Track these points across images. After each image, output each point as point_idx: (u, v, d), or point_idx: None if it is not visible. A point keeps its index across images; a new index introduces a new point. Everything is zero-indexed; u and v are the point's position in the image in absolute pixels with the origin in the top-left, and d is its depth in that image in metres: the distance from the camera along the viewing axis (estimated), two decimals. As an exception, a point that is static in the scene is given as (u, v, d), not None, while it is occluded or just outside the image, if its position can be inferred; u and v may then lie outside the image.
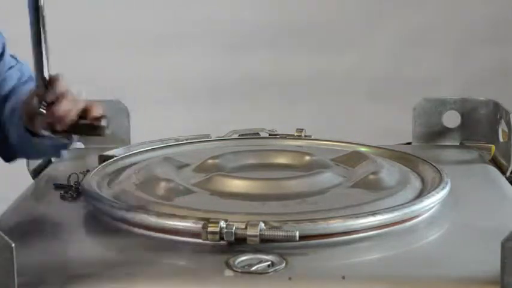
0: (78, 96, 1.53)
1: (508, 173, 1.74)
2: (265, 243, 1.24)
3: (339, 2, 3.58)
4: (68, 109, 1.51)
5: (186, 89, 3.56)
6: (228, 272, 1.19)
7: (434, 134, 1.94)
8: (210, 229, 1.25)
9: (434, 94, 1.98)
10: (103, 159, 1.69)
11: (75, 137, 1.67)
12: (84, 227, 1.42)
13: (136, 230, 1.33)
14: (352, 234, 1.31)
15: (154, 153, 1.75)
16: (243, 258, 1.22)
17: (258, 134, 1.90)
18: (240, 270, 1.19)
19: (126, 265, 1.23)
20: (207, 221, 1.26)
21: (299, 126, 1.88)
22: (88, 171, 1.59)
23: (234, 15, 3.54)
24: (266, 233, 1.24)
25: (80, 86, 1.55)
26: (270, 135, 1.88)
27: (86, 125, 1.53)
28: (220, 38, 3.55)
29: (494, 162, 1.82)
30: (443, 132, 1.94)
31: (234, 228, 1.24)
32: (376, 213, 1.32)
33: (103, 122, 1.53)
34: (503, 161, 1.78)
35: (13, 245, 1.09)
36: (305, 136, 1.86)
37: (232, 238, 1.25)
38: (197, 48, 3.56)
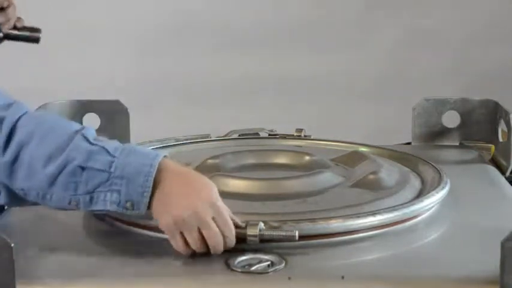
0: None
1: (507, 173, 1.74)
2: (264, 243, 1.24)
3: (339, 2, 3.58)
4: (15, 13, 1.81)
5: (186, 88, 3.56)
6: (228, 272, 1.19)
7: (434, 134, 1.94)
8: (209, 229, 1.25)
9: (434, 94, 1.98)
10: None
11: None
12: (84, 226, 1.42)
13: (136, 230, 1.33)
14: (352, 234, 1.31)
15: (154, 153, 1.74)
16: (243, 258, 1.22)
17: (257, 134, 1.90)
18: (239, 270, 1.19)
19: (126, 265, 1.23)
20: (207, 221, 1.26)
21: (299, 126, 1.88)
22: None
23: (234, 15, 3.54)
24: (266, 233, 1.24)
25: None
26: (269, 135, 1.88)
27: (25, 34, 1.84)
28: (220, 38, 3.55)
29: (494, 162, 1.82)
30: (442, 132, 1.94)
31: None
32: (376, 213, 1.32)
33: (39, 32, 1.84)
34: (503, 161, 1.78)
35: (13, 245, 1.09)
36: (305, 136, 1.86)
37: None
38: (197, 48, 3.56)
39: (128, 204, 1.22)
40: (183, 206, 1.21)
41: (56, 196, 1.23)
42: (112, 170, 1.21)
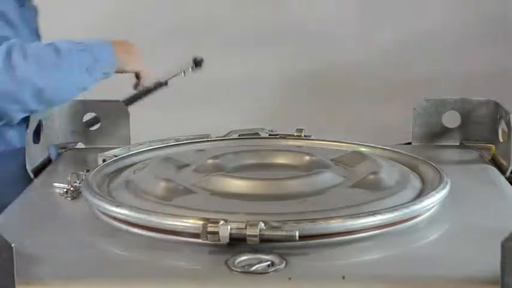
0: None
1: (507, 173, 1.73)
2: (265, 243, 1.24)
3: (339, 2, 3.59)
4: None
5: (186, 89, 3.56)
6: (228, 272, 1.19)
7: (434, 134, 1.94)
8: (209, 229, 1.25)
9: (434, 94, 1.97)
10: (103, 159, 1.69)
11: None
12: (84, 227, 1.42)
13: (136, 230, 1.33)
14: (352, 234, 1.31)
15: (154, 153, 1.74)
16: (243, 258, 1.22)
17: (257, 134, 1.90)
18: (239, 270, 1.19)
19: (126, 265, 1.23)
20: (207, 221, 1.26)
21: (299, 126, 1.88)
22: (88, 171, 1.60)
23: (234, 14, 3.54)
24: (266, 233, 1.24)
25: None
26: (269, 135, 1.88)
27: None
28: (219, 37, 3.55)
29: (494, 162, 1.82)
30: (443, 132, 1.94)
31: (233, 228, 1.24)
32: (376, 213, 1.32)
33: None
34: (503, 161, 1.78)
35: (13, 245, 1.09)
36: (305, 136, 1.86)
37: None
38: (196, 48, 3.56)
39: (107, 68, 2.19)
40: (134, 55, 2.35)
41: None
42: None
